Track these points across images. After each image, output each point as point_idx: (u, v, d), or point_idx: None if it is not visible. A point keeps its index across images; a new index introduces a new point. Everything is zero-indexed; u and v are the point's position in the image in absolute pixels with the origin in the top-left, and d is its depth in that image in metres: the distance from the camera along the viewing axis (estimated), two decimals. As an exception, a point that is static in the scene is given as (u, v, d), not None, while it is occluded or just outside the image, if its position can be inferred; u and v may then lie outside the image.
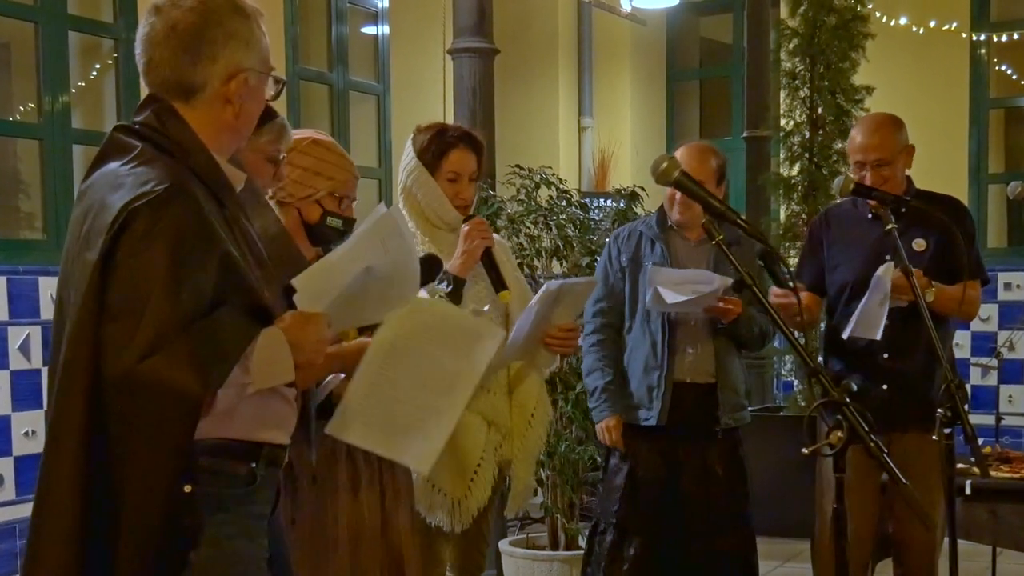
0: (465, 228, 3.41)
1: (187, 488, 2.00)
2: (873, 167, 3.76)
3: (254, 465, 2.16)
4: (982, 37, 8.46)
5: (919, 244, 3.81)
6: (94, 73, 6.29)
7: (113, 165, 2.08)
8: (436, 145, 3.43)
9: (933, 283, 3.66)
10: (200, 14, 2.11)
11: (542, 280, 5.47)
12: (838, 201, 4.12)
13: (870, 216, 3.85)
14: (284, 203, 3.00)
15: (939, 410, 3.05)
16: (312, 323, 2.13)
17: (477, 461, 3.39)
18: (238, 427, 2.10)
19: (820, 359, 4.04)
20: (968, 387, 3.34)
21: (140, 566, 1.94)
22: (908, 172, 3.91)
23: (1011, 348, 7.77)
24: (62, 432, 1.95)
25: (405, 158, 3.48)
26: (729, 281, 3.72)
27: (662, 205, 4.11)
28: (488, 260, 3.44)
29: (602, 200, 7.89)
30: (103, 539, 1.94)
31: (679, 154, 3.86)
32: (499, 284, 3.42)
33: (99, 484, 1.93)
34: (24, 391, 5.06)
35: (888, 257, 3.67)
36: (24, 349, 5.08)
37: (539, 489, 5.49)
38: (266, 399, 2.17)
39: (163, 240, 1.93)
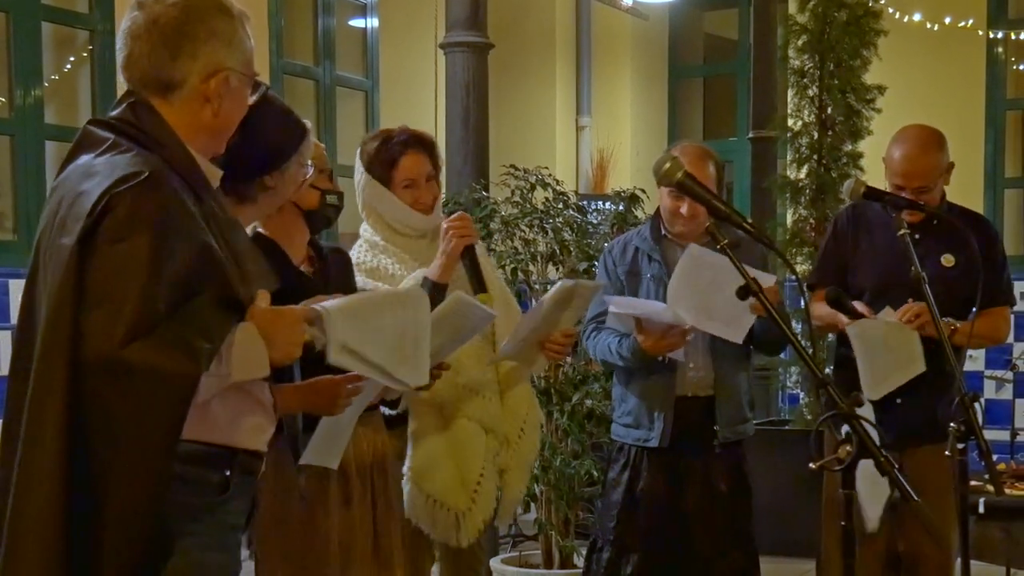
0: (444, 226, 3.36)
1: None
2: (912, 192, 3.75)
3: (228, 473, 2.18)
4: (999, 35, 8.49)
5: (947, 260, 3.83)
6: (68, 66, 6.32)
7: (86, 158, 2.12)
8: (384, 155, 3.41)
9: (955, 324, 3.65)
10: (183, 10, 2.17)
11: (537, 286, 5.49)
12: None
13: (894, 222, 3.85)
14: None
15: (952, 424, 3.07)
16: (282, 319, 2.16)
17: (480, 471, 3.39)
18: (211, 430, 2.12)
19: (828, 370, 4.05)
20: (982, 401, 3.31)
21: (127, 562, 1.94)
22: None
23: (1028, 361, 7.79)
24: (42, 423, 1.94)
25: (356, 174, 3.47)
26: (685, 323, 3.70)
27: (656, 212, 4.10)
28: (470, 259, 3.37)
29: (600, 202, 7.92)
30: (85, 533, 1.93)
31: (675, 154, 3.85)
32: (479, 285, 3.34)
33: (81, 477, 1.93)
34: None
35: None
36: (-6, 355, 5.08)
37: (533, 505, 5.50)
38: (242, 403, 2.20)
39: (146, 226, 1.97)
